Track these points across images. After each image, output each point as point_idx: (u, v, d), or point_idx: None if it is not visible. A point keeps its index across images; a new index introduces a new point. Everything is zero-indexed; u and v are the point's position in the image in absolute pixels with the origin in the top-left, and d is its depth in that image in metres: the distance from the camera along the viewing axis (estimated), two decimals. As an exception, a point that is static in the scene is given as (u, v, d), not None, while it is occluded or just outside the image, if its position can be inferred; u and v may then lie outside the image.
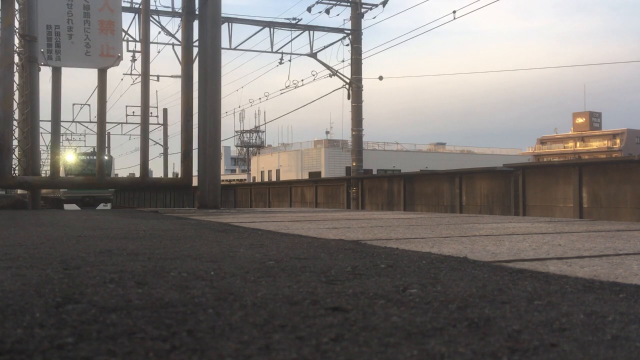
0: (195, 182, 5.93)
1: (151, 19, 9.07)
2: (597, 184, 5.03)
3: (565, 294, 0.94)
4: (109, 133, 24.16)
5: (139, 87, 6.37)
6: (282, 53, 12.53)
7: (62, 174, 14.92)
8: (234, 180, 31.40)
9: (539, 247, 1.59)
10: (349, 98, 11.99)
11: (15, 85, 6.04)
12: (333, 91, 12.64)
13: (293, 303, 0.88)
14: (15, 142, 6.34)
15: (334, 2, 12.19)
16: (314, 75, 12.76)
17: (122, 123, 23.47)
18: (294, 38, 12.29)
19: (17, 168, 7.02)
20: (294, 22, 12.25)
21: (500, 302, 0.88)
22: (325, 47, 12.56)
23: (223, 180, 15.37)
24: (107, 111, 6.57)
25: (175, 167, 34.03)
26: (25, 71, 6.25)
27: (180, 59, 6.11)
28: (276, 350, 0.63)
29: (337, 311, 0.83)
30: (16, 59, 6.12)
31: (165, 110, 23.85)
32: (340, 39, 12.25)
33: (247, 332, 0.71)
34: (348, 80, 12.01)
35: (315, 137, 32.93)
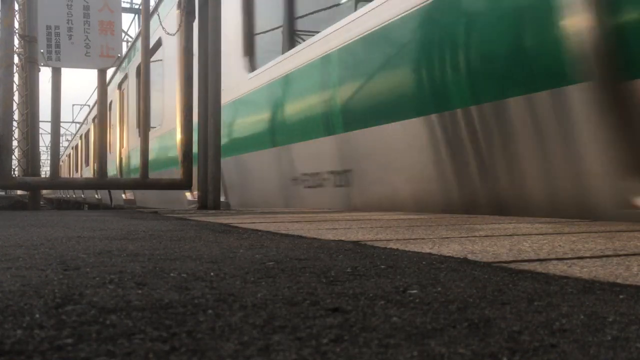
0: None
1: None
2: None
3: (566, 295, 0.93)
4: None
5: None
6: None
7: None
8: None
9: (539, 247, 1.59)
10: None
11: (14, 85, 6.04)
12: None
13: (293, 304, 0.88)
14: (14, 143, 6.34)
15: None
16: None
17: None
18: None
19: (16, 169, 7.03)
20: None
21: (501, 303, 0.88)
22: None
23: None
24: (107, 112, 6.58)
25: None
26: (25, 72, 6.25)
27: (180, 60, 6.11)
28: (276, 351, 0.63)
29: (337, 312, 0.83)
30: (16, 59, 6.12)
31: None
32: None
33: (247, 333, 0.71)
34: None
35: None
